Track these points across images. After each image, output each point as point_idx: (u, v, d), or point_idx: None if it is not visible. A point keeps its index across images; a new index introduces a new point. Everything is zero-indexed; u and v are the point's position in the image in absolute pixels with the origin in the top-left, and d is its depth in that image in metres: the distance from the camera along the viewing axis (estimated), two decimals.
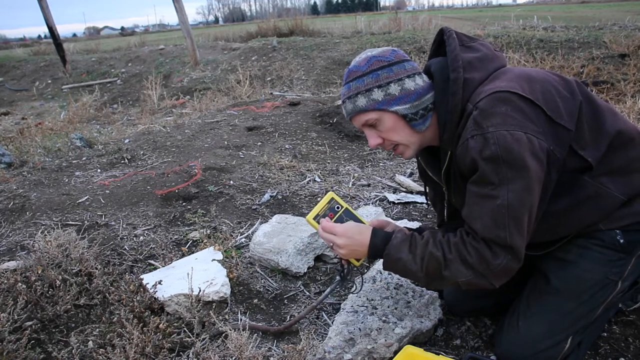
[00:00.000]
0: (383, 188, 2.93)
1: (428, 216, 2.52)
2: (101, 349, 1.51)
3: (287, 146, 3.72)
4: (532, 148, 1.11)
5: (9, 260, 2.10)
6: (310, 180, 3.05)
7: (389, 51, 1.29)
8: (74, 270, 1.93)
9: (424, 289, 1.68)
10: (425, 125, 1.29)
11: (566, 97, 1.19)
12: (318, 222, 1.43)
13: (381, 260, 1.77)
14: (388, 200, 2.70)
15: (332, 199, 1.48)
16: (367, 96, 1.26)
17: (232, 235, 2.37)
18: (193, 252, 2.18)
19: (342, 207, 1.46)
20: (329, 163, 3.41)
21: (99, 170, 3.40)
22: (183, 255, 2.17)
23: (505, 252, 1.15)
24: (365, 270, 1.62)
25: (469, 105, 1.20)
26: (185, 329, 1.65)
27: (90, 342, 1.61)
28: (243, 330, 1.52)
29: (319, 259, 2.11)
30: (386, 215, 2.45)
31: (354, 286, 1.58)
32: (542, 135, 1.13)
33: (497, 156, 1.11)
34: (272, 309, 1.83)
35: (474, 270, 1.19)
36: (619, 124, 1.24)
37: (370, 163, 3.42)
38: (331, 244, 1.37)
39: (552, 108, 1.16)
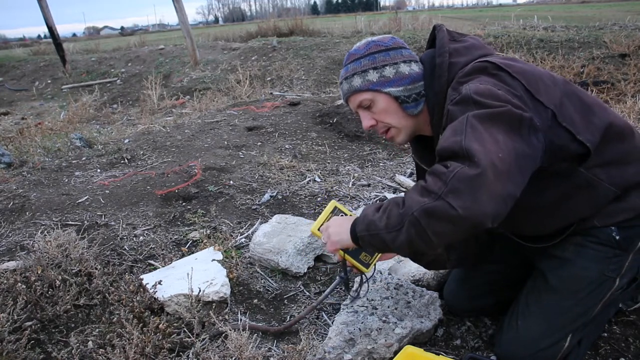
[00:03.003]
0: (383, 188, 2.93)
1: None
2: (101, 349, 1.51)
3: (287, 146, 3.72)
4: (505, 98, 1.08)
5: (8, 260, 2.10)
6: (310, 180, 3.05)
7: (388, 37, 1.35)
8: (73, 271, 1.93)
9: (424, 289, 1.68)
10: (418, 109, 1.32)
11: (547, 85, 1.19)
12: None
13: (381, 262, 1.77)
14: None
15: (335, 207, 1.47)
16: (362, 77, 1.31)
17: (232, 235, 2.36)
18: (193, 252, 2.18)
19: (345, 214, 1.45)
20: (329, 163, 3.41)
21: (98, 170, 3.40)
22: (183, 255, 2.16)
23: (459, 160, 1.01)
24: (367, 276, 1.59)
25: (453, 83, 1.22)
26: (185, 329, 1.65)
27: (90, 342, 1.61)
28: (243, 330, 1.52)
29: (319, 259, 2.11)
30: None
31: (357, 294, 1.56)
32: (517, 99, 1.10)
33: (467, 97, 1.10)
34: (272, 309, 1.83)
35: (428, 192, 1.02)
36: (610, 117, 1.24)
37: (370, 163, 3.41)
38: (326, 241, 1.34)
39: (530, 84, 1.15)
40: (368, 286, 1.59)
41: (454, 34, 1.34)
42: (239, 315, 1.77)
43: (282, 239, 2.06)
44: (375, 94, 1.31)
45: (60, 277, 1.84)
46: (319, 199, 2.76)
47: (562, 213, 1.28)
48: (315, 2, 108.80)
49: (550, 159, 1.15)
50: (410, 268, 1.83)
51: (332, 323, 1.58)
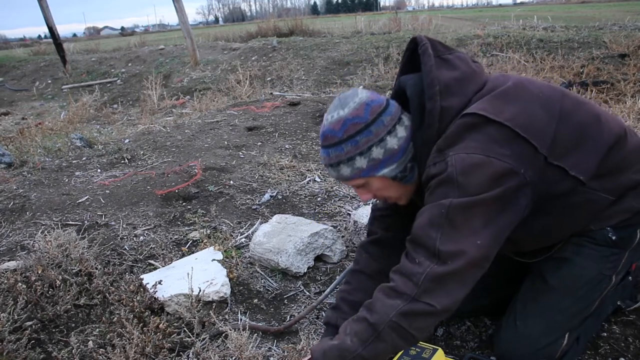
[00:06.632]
0: None
1: None
2: (101, 349, 1.52)
3: (287, 146, 3.72)
4: (493, 172, 1.04)
5: (9, 260, 2.10)
6: (310, 180, 3.05)
7: (363, 107, 1.16)
8: (74, 270, 1.93)
9: None
10: (415, 175, 1.24)
11: (541, 118, 1.12)
12: None
13: None
14: None
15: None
16: (350, 165, 1.18)
17: (232, 235, 2.37)
18: (193, 252, 2.18)
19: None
20: None
21: (99, 170, 3.40)
22: (183, 255, 2.17)
23: (429, 258, 1.04)
24: None
25: (439, 141, 1.14)
26: (185, 329, 1.65)
27: (90, 342, 1.61)
28: (243, 330, 1.52)
29: (319, 259, 2.11)
30: None
31: None
32: (507, 158, 1.05)
33: (451, 178, 1.05)
34: (272, 309, 1.83)
35: (400, 294, 1.05)
36: (604, 132, 1.18)
37: None
38: None
39: (525, 128, 1.08)
40: None
41: (439, 49, 1.20)
42: (239, 315, 1.77)
43: (282, 239, 2.06)
44: (369, 179, 1.21)
45: (60, 277, 1.84)
46: (319, 199, 2.77)
47: (562, 229, 1.28)
48: (315, 2, 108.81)
49: (544, 197, 1.13)
50: None
51: None
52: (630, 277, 1.41)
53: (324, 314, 1.75)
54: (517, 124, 1.08)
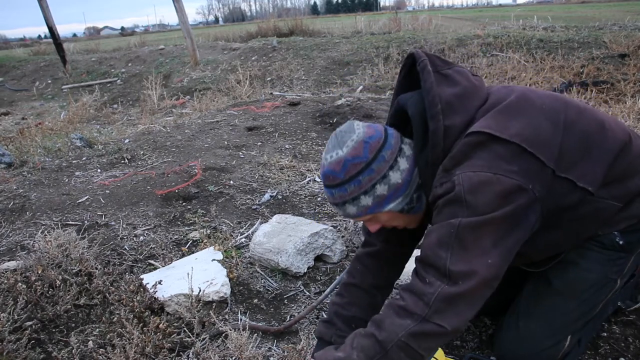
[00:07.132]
0: None
1: None
2: (101, 349, 1.52)
3: (287, 146, 3.72)
4: (501, 190, 1.02)
5: (9, 260, 2.11)
6: (310, 180, 3.05)
7: (361, 146, 1.13)
8: (74, 270, 1.93)
9: None
10: (423, 204, 1.22)
11: (547, 130, 1.10)
12: None
13: None
14: None
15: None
16: (355, 204, 1.17)
17: (232, 235, 2.37)
18: (193, 252, 2.19)
19: None
20: None
21: (99, 170, 3.40)
22: (183, 255, 2.17)
23: (439, 278, 1.03)
24: None
25: (445, 161, 1.12)
26: (185, 329, 1.65)
27: (90, 342, 1.61)
28: (243, 330, 1.52)
29: (319, 259, 2.11)
30: None
31: None
32: (515, 175, 1.03)
33: (459, 197, 1.03)
34: (272, 309, 1.83)
35: (410, 314, 1.04)
36: (609, 139, 1.17)
37: None
38: None
39: (531, 143, 1.07)
40: None
41: (438, 63, 1.17)
42: (239, 315, 1.77)
43: (282, 238, 2.06)
44: (376, 214, 1.20)
45: (60, 277, 1.84)
46: (319, 198, 2.77)
47: (571, 239, 1.27)
48: (315, 2, 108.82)
49: (552, 210, 1.12)
50: (409, 268, 1.83)
51: None
52: (632, 280, 1.41)
53: (323, 314, 1.75)
54: (523, 139, 1.06)
